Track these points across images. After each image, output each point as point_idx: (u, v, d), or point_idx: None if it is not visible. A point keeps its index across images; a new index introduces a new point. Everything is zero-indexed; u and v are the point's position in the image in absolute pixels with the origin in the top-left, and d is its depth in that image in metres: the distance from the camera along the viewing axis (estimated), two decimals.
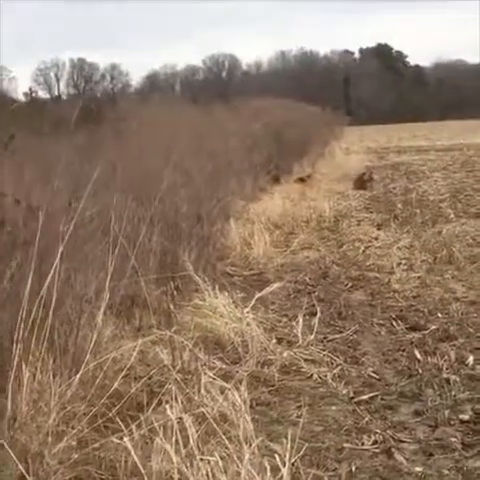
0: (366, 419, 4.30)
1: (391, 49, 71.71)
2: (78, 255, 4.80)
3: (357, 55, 72.29)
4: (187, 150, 8.87)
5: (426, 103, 60.20)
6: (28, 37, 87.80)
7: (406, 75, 68.16)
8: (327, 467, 3.75)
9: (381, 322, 6.29)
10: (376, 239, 9.81)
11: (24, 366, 3.70)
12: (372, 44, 71.92)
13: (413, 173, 19.49)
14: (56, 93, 57.29)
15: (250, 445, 3.45)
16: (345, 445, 4.00)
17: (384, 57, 68.83)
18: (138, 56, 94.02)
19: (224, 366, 4.98)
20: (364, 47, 72.04)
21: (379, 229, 10.63)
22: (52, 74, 61.91)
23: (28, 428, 3.45)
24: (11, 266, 4.38)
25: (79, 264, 4.80)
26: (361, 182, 15.79)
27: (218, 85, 58.36)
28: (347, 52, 71.95)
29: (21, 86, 75.56)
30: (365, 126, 43.29)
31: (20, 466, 3.17)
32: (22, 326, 3.81)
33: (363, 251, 9.13)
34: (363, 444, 4.01)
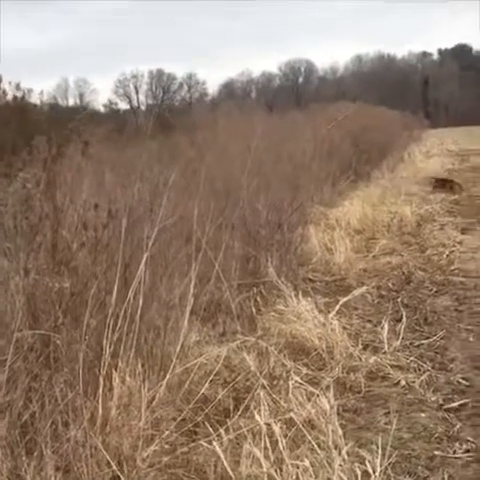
0: (457, 427, 4.20)
1: (470, 49, 70.17)
2: (162, 260, 4.85)
3: (436, 56, 71.07)
4: (265, 157, 8.87)
5: None
6: (109, 50, 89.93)
7: None
8: (418, 475, 3.67)
9: (469, 328, 6.13)
10: (460, 243, 9.58)
11: (114, 371, 3.76)
12: (451, 45, 70.70)
13: None
14: (135, 104, 58.34)
15: (339, 451, 3.41)
16: (436, 453, 3.91)
17: (464, 58, 67.35)
18: (215, 65, 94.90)
19: (309, 372, 4.94)
20: (443, 48, 70.81)
21: (463, 233, 10.37)
22: (131, 85, 63.06)
23: (119, 432, 3.50)
24: (96, 271, 4.43)
25: (163, 269, 4.85)
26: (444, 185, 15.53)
27: (294, 91, 58.28)
28: (425, 54, 70.80)
29: (102, 97, 77.29)
30: (445, 128, 42.39)
31: (115, 468, 3.21)
32: (110, 332, 3.87)
33: (447, 256, 8.92)
34: (455, 452, 3.91)
